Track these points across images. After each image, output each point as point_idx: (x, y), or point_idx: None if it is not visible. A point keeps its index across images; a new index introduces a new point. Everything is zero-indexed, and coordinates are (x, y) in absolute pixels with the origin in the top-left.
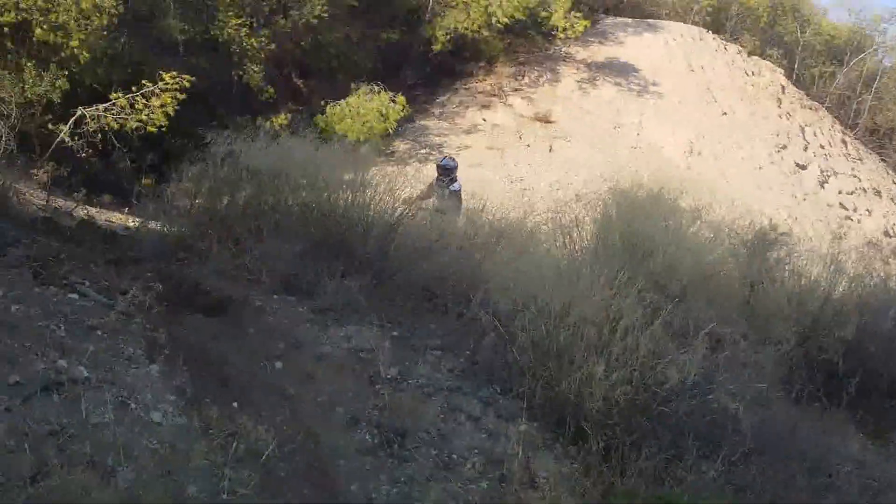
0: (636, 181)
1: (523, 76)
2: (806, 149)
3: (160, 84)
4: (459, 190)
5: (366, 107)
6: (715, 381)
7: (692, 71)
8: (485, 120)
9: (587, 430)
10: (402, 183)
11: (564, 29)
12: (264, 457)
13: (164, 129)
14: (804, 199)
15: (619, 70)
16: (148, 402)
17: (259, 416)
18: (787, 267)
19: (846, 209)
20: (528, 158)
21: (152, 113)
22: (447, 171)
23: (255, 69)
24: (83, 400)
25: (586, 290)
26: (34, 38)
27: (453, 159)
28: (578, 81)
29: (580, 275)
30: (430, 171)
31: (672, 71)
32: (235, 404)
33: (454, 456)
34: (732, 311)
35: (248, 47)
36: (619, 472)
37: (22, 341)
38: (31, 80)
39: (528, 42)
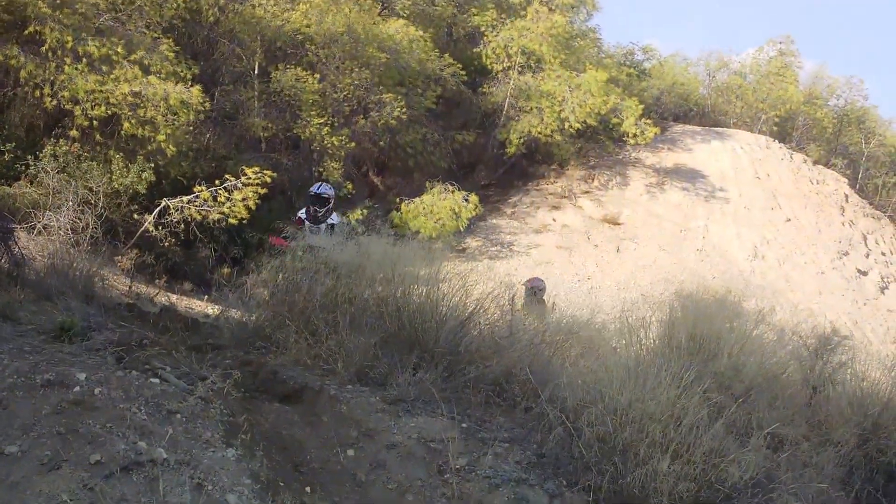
0: (702, 283)
1: (593, 179)
2: (868, 255)
3: (243, 179)
4: (339, 223)
5: (439, 205)
6: (776, 481)
7: (758, 178)
8: (555, 220)
9: None
10: (473, 280)
11: (635, 135)
12: None
13: (244, 221)
14: (864, 304)
15: (687, 175)
16: (224, 484)
17: (332, 502)
18: (848, 370)
19: None
20: (596, 258)
21: (234, 206)
22: (322, 202)
23: (335, 166)
24: (161, 481)
25: (652, 389)
26: (123, 132)
27: (331, 186)
28: (647, 185)
29: (646, 373)
30: (501, 268)
31: (739, 178)
32: (308, 489)
33: None
34: (794, 412)
35: (328, 145)
36: None
37: (104, 422)
38: (118, 172)
39: (599, 147)
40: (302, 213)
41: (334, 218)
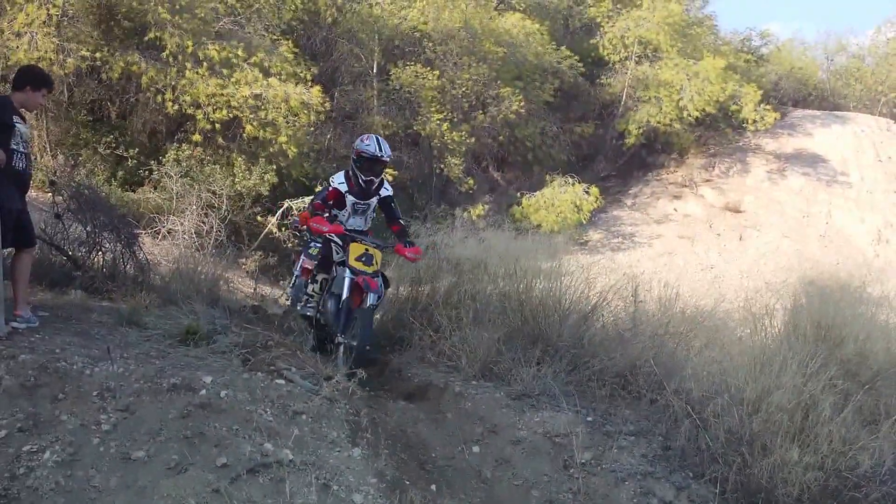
0: (826, 269)
1: (713, 167)
2: None
3: None
4: (393, 195)
5: (560, 198)
6: None
7: (880, 161)
8: (676, 210)
9: None
10: (595, 272)
11: (754, 121)
12: None
13: None
14: None
15: (808, 160)
16: (350, 484)
17: (458, 500)
18: None
19: None
20: (718, 247)
21: None
22: (381, 168)
23: (456, 162)
24: (288, 482)
25: (778, 377)
26: (244, 135)
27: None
28: (768, 172)
29: (772, 362)
30: (624, 260)
31: (860, 161)
32: (434, 487)
33: None
34: None
35: (448, 141)
36: None
37: (230, 425)
38: (240, 174)
39: (719, 134)
40: (340, 184)
41: (387, 188)
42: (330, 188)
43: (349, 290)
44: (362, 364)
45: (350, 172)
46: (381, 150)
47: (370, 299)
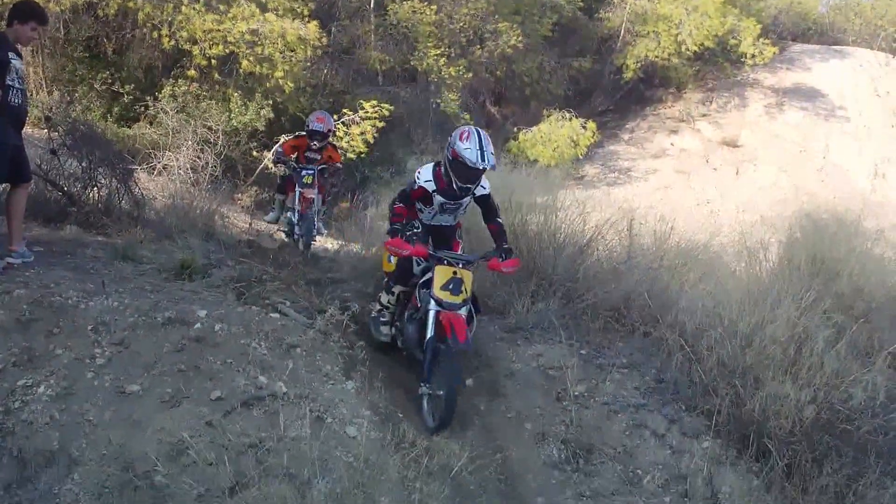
0: (822, 203)
1: (711, 102)
2: None
3: (360, 113)
4: (487, 192)
5: (557, 133)
6: None
7: (878, 96)
8: (673, 144)
9: (770, 448)
10: (591, 207)
11: (753, 56)
12: (455, 471)
13: (363, 155)
14: None
15: (806, 95)
16: (343, 417)
17: (451, 432)
18: None
19: None
20: (715, 181)
21: (352, 140)
22: (474, 174)
23: (452, 97)
24: (281, 414)
25: (772, 310)
26: (241, 70)
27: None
28: (766, 106)
29: (766, 296)
30: (620, 194)
31: (858, 96)
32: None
33: (638, 471)
34: None
35: (445, 76)
36: (801, 489)
37: (224, 358)
38: (237, 110)
39: (717, 68)
40: (427, 182)
41: (484, 185)
42: (416, 186)
43: (433, 327)
44: (453, 414)
45: (441, 170)
46: (483, 159)
47: (451, 343)
